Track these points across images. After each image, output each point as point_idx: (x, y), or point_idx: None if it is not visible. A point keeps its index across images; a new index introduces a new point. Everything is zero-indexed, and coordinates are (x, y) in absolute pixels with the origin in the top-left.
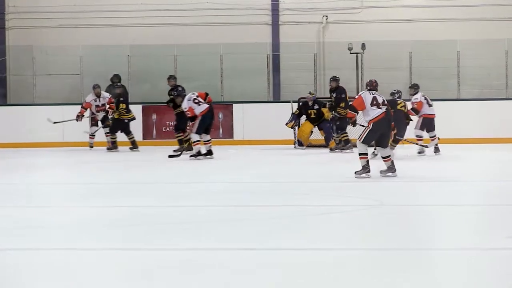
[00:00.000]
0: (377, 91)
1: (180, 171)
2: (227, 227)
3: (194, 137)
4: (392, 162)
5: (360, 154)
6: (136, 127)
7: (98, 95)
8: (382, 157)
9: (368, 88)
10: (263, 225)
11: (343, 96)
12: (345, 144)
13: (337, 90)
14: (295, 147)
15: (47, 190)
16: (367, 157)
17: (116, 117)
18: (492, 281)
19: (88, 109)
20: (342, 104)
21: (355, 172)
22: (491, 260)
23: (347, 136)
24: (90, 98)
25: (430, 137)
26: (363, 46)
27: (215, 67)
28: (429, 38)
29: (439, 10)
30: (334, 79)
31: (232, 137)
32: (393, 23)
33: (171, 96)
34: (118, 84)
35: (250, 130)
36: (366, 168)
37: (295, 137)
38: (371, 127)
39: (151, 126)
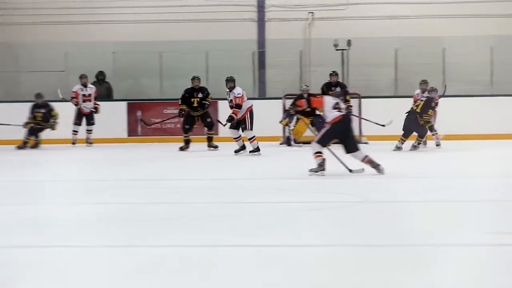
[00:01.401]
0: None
1: (168, 168)
2: (212, 224)
3: (250, 134)
4: (371, 161)
5: (315, 153)
6: (121, 124)
7: (85, 85)
8: (360, 161)
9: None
10: (248, 222)
11: (347, 89)
12: None
13: (339, 84)
14: (292, 144)
15: (34, 187)
16: (322, 156)
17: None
18: (472, 276)
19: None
20: (348, 97)
21: (310, 170)
22: (471, 255)
23: None
24: (77, 87)
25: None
26: (349, 42)
27: (201, 64)
28: (415, 35)
29: (425, 7)
30: (336, 73)
31: (217, 134)
32: (379, 19)
33: (196, 98)
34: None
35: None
36: (321, 166)
37: (289, 133)
38: (328, 127)
39: (136, 123)
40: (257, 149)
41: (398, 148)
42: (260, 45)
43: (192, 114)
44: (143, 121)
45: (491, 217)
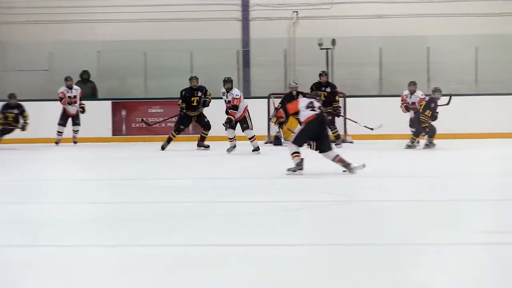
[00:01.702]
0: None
1: (153, 168)
2: (199, 223)
3: (251, 133)
4: (342, 160)
5: (292, 153)
6: (106, 123)
7: (70, 87)
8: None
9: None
10: (235, 220)
11: (337, 90)
12: (336, 139)
13: (329, 84)
14: (282, 143)
15: (22, 187)
16: (300, 155)
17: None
18: (461, 275)
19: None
20: (337, 98)
21: (288, 169)
22: (461, 254)
23: (338, 131)
24: (62, 89)
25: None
26: (333, 41)
27: (185, 63)
28: (400, 34)
29: (409, 6)
30: (325, 73)
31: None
32: (363, 18)
33: (196, 97)
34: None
35: (220, 126)
36: (299, 166)
37: (277, 133)
38: (302, 127)
39: (120, 122)
40: (258, 148)
41: (409, 147)
42: (245, 44)
43: (190, 114)
44: (144, 121)
45: (482, 216)
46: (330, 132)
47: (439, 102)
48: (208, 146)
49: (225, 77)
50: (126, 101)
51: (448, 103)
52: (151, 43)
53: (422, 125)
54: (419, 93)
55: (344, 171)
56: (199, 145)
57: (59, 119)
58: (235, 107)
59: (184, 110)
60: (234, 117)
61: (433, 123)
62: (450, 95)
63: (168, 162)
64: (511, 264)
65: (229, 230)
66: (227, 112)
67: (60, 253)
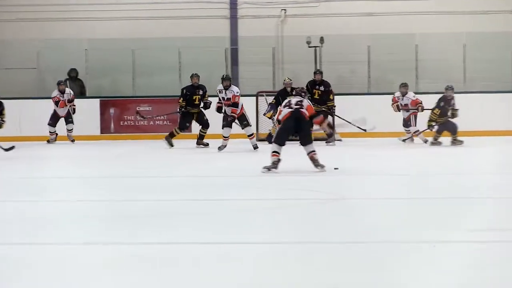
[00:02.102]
0: (301, 96)
1: (144, 165)
2: (187, 221)
3: (251, 130)
4: (314, 159)
5: (272, 152)
6: (94, 121)
7: (63, 92)
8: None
9: (293, 93)
10: (222, 219)
11: (331, 89)
12: (329, 137)
13: (323, 83)
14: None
15: (9, 184)
16: (278, 156)
17: None
18: (452, 273)
19: (53, 103)
20: (331, 97)
21: (263, 167)
22: (452, 253)
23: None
24: (55, 93)
25: (406, 131)
26: (322, 40)
27: (174, 61)
28: (388, 32)
29: (397, 3)
30: (320, 72)
31: (191, 131)
32: (351, 16)
33: (198, 96)
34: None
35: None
36: (274, 165)
37: (270, 130)
38: (281, 125)
39: (109, 120)
40: (256, 146)
41: (434, 144)
42: (233, 42)
43: (191, 111)
44: (139, 113)
45: (470, 215)
46: (317, 129)
47: (452, 101)
48: (207, 144)
49: (224, 75)
50: (114, 99)
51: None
52: (139, 41)
53: (429, 122)
54: (410, 95)
55: (335, 168)
56: (198, 143)
57: (49, 119)
58: (236, 105)
59: (183, 108)
60: (236, 115)
61: (453, 120)
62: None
63: (159, 160)
64: (501, 262)
65: (216, 228)
66: (219, 110)
67: (45, 251)
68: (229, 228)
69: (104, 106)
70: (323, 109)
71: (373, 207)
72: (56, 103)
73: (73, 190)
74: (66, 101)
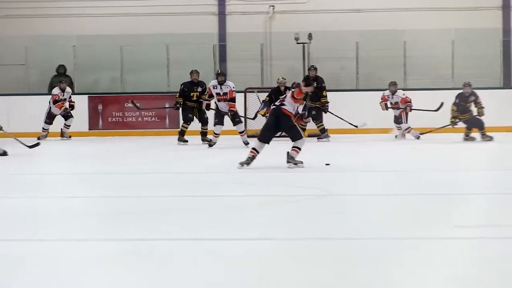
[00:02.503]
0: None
1: (135, 162)
2: (172, 218)
3: (242, 127)
4: (290, 154)
5: (251, 148)
6: (82, 118)
7: (63, 90)
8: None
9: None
10: (209, 215)
11: (324, 85)
12: (322, 133)
13: (317, 79)
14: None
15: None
16: (254, 152)
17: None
18: (438, 269)
19: (50, 101)
20: (325, 93)
21: (239, 163)
22: (439, 249)
23: (323, 125)
24: (56, 91)
25: (398, 127)
26: (310, 36)
27: (162, 58)
28: (376, 28)
29: (386, 0)
30: (315, 68)
31: (179, 127)
32: (339, 13)
33: (196, 93)
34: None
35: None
36: (248, 160)
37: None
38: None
39: (97, 117)
40: (247, 142)
41: (466, 139)
42: (221, 39)
43: (189, 105)
44: (133, 102)
45: (461, 211)
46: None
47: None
48: (210, 140)
49: (218, 70)
50: (102, 95)
51: (437, 109)
52: (128, 38)
53: (451, 119)
54: (400, 93)
55: (326, 164)
56: (203, 140)
57: (45, 117)
58: (234, 99)
59: (178, 104)
60: (235, 110)
61: (481, 117)
62: (442, 103)
63: (150, 157)
64: (490, 259)
65: (203, 224)
66: (207, 107)
67: (39, 248)
68: (220, 224)
69: (92, 102)
70: (317, 105)
71: (364, 203)
72: (55, 101)
73: (65, 187)
74: (64, 103)
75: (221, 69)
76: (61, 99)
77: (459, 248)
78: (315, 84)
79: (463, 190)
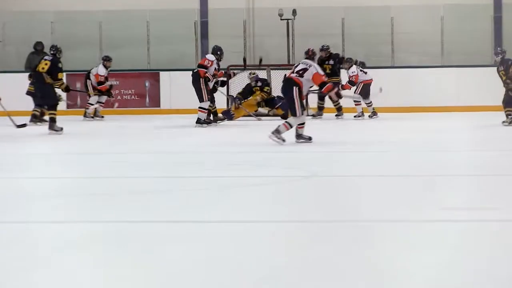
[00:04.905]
0: (313, 60)
1: (106, 142)
2: (154, 199)
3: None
4: (278, 129)
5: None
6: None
7: (108, 68)
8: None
9: (305, 57)
10: (194, 196)
11: (337, 62)
12: (319, 111)
13: (331, 56)
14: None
15: None
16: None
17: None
18: (424, 252)
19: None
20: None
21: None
22: (424, 232)
23: (339, 103)
24: (103, 71)
25: (366, 103)
26: (294, 12)
27: (142, 34)
28: (362, 4)
29: None
30: (325, 48)
31: (159, 106)
32: None
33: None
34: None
35: (177, 99)
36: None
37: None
38: None
39: (75, 96)
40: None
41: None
42: (203, 15)
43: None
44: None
45: (446, 192)
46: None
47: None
48: (224, 118)
49: (215, 46)
50: (81, 73)
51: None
52: (107, 14)
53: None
54: (351, 70)
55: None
56: (215, 120)
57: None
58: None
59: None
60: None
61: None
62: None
63: (132, 136)
64: (478, 242)
65: (187, 206)
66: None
67: (11, 229)
68: (207, 206)
69: (71, 80)
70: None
71: (349, 185)
72: (100, 83)
73: (41, 168)
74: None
75: (218, 46)
76: (106, 83)
77: (447, 230)
78: (332, 62)
79: (448, 171)
